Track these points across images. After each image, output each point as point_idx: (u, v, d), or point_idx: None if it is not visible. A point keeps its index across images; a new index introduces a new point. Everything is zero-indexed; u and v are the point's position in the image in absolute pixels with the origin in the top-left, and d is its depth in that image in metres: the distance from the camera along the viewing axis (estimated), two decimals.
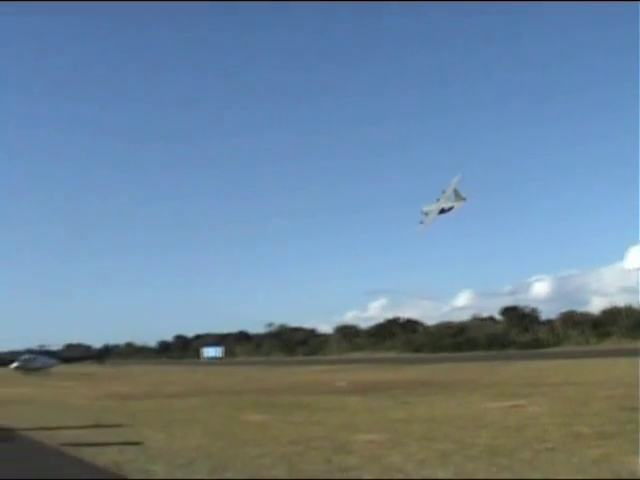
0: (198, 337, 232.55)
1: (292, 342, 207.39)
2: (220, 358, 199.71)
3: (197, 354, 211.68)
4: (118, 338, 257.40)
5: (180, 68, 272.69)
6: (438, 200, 29.50)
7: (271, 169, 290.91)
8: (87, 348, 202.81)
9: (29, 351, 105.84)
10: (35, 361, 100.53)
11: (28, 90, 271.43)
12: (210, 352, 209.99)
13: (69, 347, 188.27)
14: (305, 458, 15.55)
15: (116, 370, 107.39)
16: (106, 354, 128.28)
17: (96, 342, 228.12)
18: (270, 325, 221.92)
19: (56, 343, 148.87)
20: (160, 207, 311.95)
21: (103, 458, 16.38)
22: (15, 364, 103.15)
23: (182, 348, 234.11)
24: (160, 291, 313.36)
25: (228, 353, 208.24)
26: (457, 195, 28.18)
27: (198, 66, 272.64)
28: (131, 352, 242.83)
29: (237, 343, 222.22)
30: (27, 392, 48.60)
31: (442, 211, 28.94)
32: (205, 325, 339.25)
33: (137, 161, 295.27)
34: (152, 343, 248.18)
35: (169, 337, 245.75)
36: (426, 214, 30.80)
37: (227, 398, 36.81)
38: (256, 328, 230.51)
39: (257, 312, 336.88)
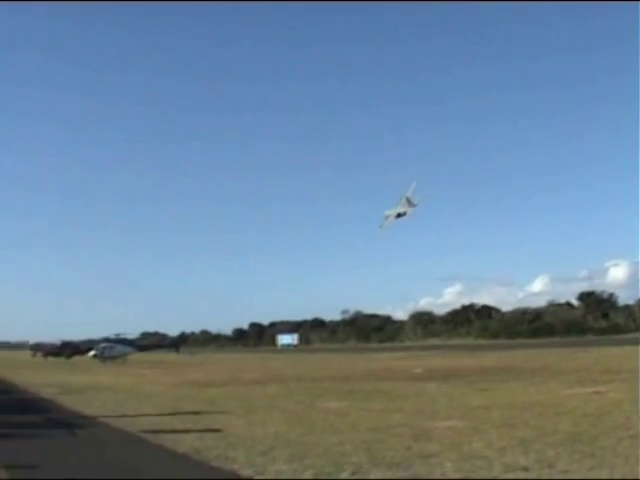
0: (273, 324, 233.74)
1: (367, 329, 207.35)
2: (295, 345, 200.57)
3: (272, 341, 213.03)
4: (193, 326, 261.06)
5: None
6: (396, 206, 32.53)
7: (344, 150, 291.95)
8: (163, 336, 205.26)
9: (106, 339, 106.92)
10: (112, 349, 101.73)
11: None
12: (285, 339, 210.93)
13: (145, 335, 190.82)
14: (385, 445, 15.47)
15: (192, 358, 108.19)
16: (182, 342, 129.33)
17: (172, 330, 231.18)
18: (345, 312, 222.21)
19: (132, 331, 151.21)
20: (234, 197, 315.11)
21: (183, 445, 16.53)
22: (92, 352, 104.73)
23: (257, 336, 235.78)
24: (235, 279, 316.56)
25: (303, 340, 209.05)
26: (410, 202, 31.48)
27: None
28: (206, 340, 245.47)
29: (312, 330, 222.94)
30: (105, 380, 49.27)
31: (399, 215, 32.26)
32: (280, 312, 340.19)
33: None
34: (227, 331, 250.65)
35: (244, 325, 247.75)
36: (386, 218, 34.44)
37: (304, 385, 36.91)
38: (331, 315, 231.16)
39: (332, 299, 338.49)
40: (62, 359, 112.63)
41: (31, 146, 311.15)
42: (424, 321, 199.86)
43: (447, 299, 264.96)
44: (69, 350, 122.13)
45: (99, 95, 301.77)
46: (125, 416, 23.50)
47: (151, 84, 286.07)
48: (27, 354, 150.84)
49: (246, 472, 12.95)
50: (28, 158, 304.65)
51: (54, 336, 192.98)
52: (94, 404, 28.23)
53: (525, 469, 12.28)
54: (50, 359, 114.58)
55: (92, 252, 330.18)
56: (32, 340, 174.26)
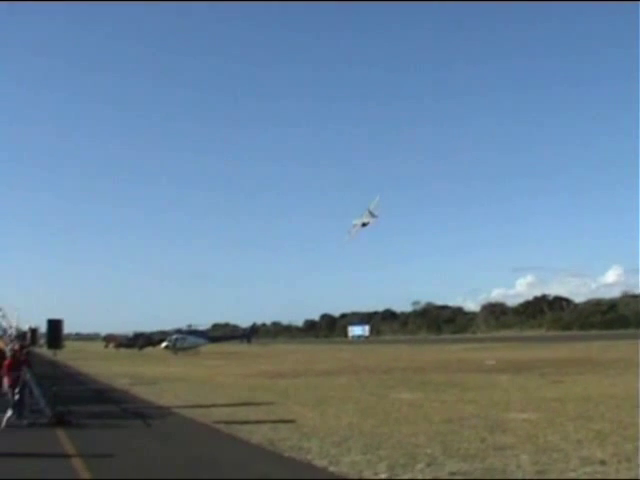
0: (344, 316, 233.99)
1: (438, 320, 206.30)
2: (366, 337, 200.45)
3: (343, 333, 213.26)
4: (265, 317, 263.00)
5: None
6: (361, 216, 36.36)
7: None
8: (234, 327, 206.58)
9: (178, 331, 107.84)
10: (184, 341, 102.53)
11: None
12: (356, 331, 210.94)
13: (216, 326, 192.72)
14: (459, 437, 15.41)
15: (264, 349, 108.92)
16: (253, 333, 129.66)
17: (243, 321, 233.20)
18: (416, 303, 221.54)
19: (204, 323, 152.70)
20: (306, 188, 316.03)
21: (257, 436, 16.69)
22: (165, 344, 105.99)
23: (328, 327, 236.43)
24: (307, 270, 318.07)
25: (374, 331, 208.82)
26: (372, 214, 35.10)
27: None
28: (278, 331, 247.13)
29: (383, 321, 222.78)
30: (177, 371, 50.13)
31: (363, 224, 35.82)
32: (351, 304, 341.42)
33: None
34: (299, 322, 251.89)
35: (315, 316, 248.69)
36: (353, 226, 38.75)
37: (376, 376, 36.91)
38: (402, 306, 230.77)
39: (403, 290, 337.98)
40: (134, 350, 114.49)
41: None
42: (496, 312, 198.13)
43: (519, 290, 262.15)
44: (141, 341, 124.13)
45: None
46: (198, 407, 23.84)
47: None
48: (100, 345, 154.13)
49: (320, 463, 13.02)
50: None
51: (126, 328, 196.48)
52: (167, 395, 28.71)
53: (602, 462, 12.10)
54: (122, 350, 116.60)
55: (163, 245, 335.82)
56: (104, 332, 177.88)
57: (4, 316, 24.40)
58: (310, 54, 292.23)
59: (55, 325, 21.86)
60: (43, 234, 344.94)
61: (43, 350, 55.47)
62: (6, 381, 20.60)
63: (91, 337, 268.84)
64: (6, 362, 20.65)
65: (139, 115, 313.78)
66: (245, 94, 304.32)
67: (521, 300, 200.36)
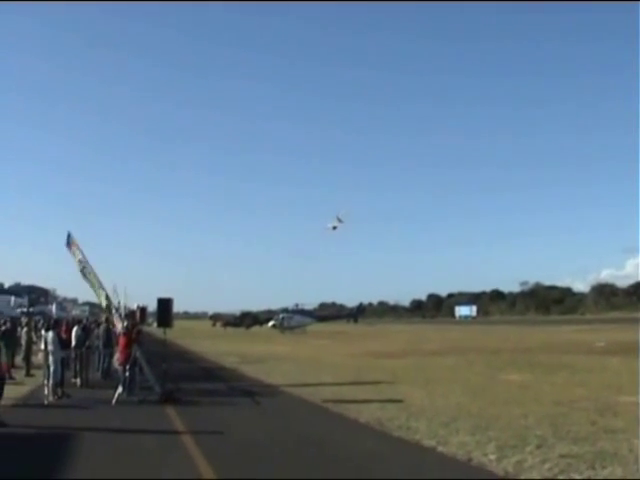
0: (451, 296, 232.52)
1: (547, 301, 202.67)
2: (474, 317, 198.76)
3: (450, 313, 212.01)
4: (371, 297, 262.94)
5: None
6: (333, 221, 39.93)
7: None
8: (341, 307, 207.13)
9: (285, 310, 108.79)
10: (291, 320, 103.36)
11: None
12: (464, 311, 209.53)
13: (323, 306, 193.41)
14: (569, 419, 15.29)
15: (370, 328, 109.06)
16: (360, 313, 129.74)
17: (350, 301, 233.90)
18: (524, 284, 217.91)
19: (311, 302, 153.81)
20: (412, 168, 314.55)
21: (365, 415, 16.86)
22: (272, 322, 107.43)
23: (435, 307, 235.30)
24: (413, 249, 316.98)
25: (482, 312, 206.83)
26: (339, 220, 40.03)
27: None
28: (384, 311, 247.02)
29: (491, 302, 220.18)
30: (284, 350, 50.61)
31: (334, 228, 40.57)
32: (458, 284, 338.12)
33: None
34: (405, 302, 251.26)
35: (422, 296, 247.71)
36: (326, 229, 42.77)
37: (484, 357, 36.67)
38: (510, 286, 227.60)
39: (511, 270, 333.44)
40: (241, 329, 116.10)
41: None
42: (606, 293, 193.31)
43: (630, 271, 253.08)
44: (249, 320, 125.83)
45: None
46: (306, 385, 24.13)
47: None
48: (207, 324, 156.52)
49: (429, 443, 13.09)
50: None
51: (233, 306, 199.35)
52: (275, 373, 29.07)
53: None
54: (229, 329, 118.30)
55: (270, 224, 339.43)
56: (211, 310, 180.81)
57: (115, 294, 25.13)
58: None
59: (165, 304, 22.29)
60: (153, 214, 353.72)
61: (151, 328, 56.99)
62: (118, 358, 21.36)
63: (198, 316, 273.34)
64: (121, 340, 21.27)
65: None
66: None
67: (631, 281, 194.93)
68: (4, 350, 16.30)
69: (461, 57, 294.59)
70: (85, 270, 22.29)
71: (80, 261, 22.30)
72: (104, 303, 23.71)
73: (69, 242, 22.31)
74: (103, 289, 22.68)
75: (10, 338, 26.31)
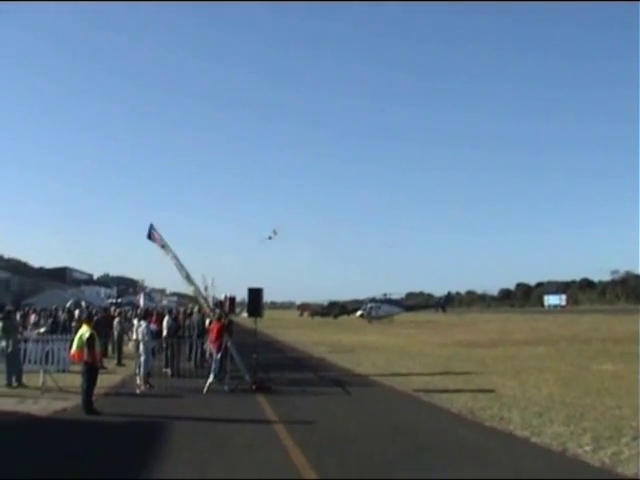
0: (540, 285, 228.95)
1: (638, 290, 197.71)
2: (563, 306, 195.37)
3: (539, 302, 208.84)
4: (459, 286, 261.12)
5: None
6: (269, 234, 45.55)
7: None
8: (428, 296, 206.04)
9: (373, 300, 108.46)
10: (379, 309, 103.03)
11: None
12: (552, 300, 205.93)
13: (410, 295, 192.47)
14: None
15: (458, 318, 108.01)
16: (448, 302, 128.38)
17: (437, 290, 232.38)
18: (615, 272, 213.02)
19: (398, 292, 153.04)
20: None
21: (457, 404, 16.85)
22: (359, 312, 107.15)
23: (524, 296, 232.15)
24: (502, 239, 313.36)
25: (571, 301, 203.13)
26: (275, 232, 44.26)
27: None
28: (472, 300, 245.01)
29: (580, 291, 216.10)
30: (373, 339, 50.69)
31: (269, 238, 44.80)
32: (547, 273, 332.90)
33: None
34: (493, 291, 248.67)
35: (511, 285, 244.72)
36: (262, 240, 49.31)
37: (575, 347, 36.14)
38: (600, 275, 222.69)
39: (601, 259, 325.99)
40: (329, 318, 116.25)
41: None
42: None
43: None
44: (336, 310, 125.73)
45: None
46: (396, 375, 24.14)
47: None
48: (294, 314, 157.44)
49: (522, 433, 13.02)
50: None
51: (320, 296, 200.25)
52: (365, 363, 29.16)
53: None
54: (317, 318, 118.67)
55: (359, 215, 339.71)
56: (298, 300, 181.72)
57: (204, 285, 25.46)
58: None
59: (255, 293, 22.46)
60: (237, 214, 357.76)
61: (239, 318, 57.56)
62: (211, 347, 21.67)
63: (285, 305, 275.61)
64: (213, 329, 21.55)
65: None
66: None
67: None
68: (97, 340, 16.70)
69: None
70: (173, 259, 22.57)
71: (165, 249, 22.57)
72: (193, 294, 24.09)
73: (151, 233, 22.56)
74: (191, 280, 22.97)
75: (103, 328, 26.93)
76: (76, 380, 16.60)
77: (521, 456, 11.35)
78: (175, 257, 22.47)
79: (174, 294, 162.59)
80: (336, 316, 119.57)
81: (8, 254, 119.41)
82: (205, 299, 25.72)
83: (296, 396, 19.12)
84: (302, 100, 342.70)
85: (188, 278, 22.68)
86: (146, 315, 24.08)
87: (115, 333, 28.98)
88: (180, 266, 22.40)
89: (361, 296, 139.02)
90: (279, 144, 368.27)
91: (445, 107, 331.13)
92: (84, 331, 16.58)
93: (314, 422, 14.80)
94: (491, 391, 19.13)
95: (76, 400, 16.75)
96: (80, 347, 16.37)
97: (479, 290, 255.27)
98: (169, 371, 23.78)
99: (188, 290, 24.10)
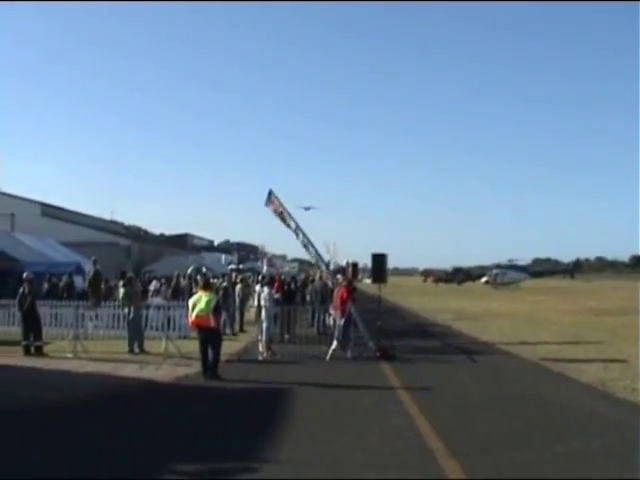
0: None
1: None
2: None
3: None
4: (588, 252, 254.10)
5: None
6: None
7: None
8: (555, 262, 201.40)
9: (498, 266, 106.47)
10: (504, 275, 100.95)
11: None
12: None
13: (537, 261, 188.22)
14: None
15: (587, 285, 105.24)
16: (576, 268, 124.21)
17: (565, 256, 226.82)
18: None
19: (524, 258, 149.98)
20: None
21: (587, 375, 16.38)
22: (484, 279, 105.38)
23: None
24: (633, 201, 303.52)
25: None
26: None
27: None
28: (602, 266, 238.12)
29: None
30: (499, 306, 49.72)
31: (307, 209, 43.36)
32: None
33: None
34: (624, 257, 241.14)
35: None
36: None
37: None
38: None
39: None
40: (453, 285, 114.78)
41: None
42: None
43: None
44: (461, 276, 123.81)
45: None
46: (523, 343, 23.69)
47: None
48: (417, 280, 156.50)
49: None
50: None
51: (444, 262, 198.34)
52: (491, 330, 28.75)
53: None
54: (441, 285, 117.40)
55: (477, 180, 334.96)
56: (422, 266, 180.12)
57: (326, 250, 25.26)
58: None
59: (379, 259, 22.15)
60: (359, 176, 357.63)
61: (361, 285, 57.14)
62: (335, 313, 21.45)
63: (408, 272, 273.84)
64: (338, 295, 21.23)
65: None
66: None
67: None
68: (223, 306, 16.72)
69: None
70: (291, 227, 22.49)
71: (282, 216, 22.48)
72: (313, 260, 23.98)
73: (269, 200, 22.51)
74: (312, 245, 22.82)
75: (227, 295, 27.21)
76: (197, 346, 16.70)
77: None
78: (295, 224, 22.41)
79: (295, 260, 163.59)
80: (460, 282, 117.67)
81: (128, 222, 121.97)
82: (327, 265, 25.59)
83: (420, 363, 18.94)
84: None
85: (306, 246, 22.57)
86: (271, 282, 24.02)
87: (237, 299, 29.23)
88: (298, 233, 22.31)
89: (486, 262, 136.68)
90: None
91: None
92: (208, 297, 16.56)
93: (439, 389, 14.65)
94: (623, 361, 18.54)
95: (198, 366, 16.95)
96: (206, 312, 16.40)
97: (609, 256, 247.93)
98: (287, 337, 23.60)
99: (308, 256, 23.95)
